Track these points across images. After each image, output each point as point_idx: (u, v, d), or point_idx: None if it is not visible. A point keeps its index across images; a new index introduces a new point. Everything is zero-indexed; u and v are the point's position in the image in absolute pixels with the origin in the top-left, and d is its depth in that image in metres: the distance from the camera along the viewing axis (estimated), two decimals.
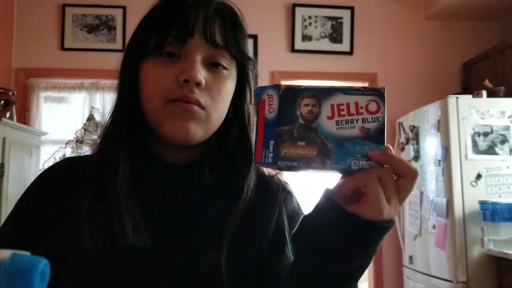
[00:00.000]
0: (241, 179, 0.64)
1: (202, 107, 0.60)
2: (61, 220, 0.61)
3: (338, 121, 0.50)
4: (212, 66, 0.62)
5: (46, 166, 3.15)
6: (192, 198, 0.63)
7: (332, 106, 0.50)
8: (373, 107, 0.50)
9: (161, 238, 0.60)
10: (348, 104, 0.50)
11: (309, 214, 0.56)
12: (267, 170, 0.70)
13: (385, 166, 0.50)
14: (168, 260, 0.59)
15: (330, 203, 0.53)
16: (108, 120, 0.66)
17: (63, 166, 0.68)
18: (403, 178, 0.50)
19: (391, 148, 0.50)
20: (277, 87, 0.52)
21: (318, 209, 0.55)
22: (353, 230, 0.51)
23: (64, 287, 0.57)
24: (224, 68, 0.62)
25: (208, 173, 0.64)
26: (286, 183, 0.72)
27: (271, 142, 0.51)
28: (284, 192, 0.70)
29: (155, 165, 0.64)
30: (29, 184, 0.67)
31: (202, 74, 0.59)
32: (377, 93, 0.51)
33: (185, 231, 0.61)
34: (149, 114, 0.62)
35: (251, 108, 0.68)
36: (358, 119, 0.50)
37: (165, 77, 0.60)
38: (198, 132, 0.61)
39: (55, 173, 0.67)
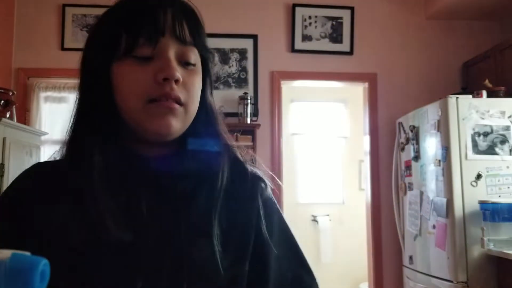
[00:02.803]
0: (215, 163, 0.67)
1: (181, 104, 0.63)
2: (44, 224, 0.60)
3: None
4: (182, 62, 0.64)
5: None
6: (175, 188, 0.64)
7: None
8: None
9: (149, 232, 0.60)
10: None
11: None
12: (238, 154, 0.72)
13: None
14: (160, 253, 0.59)
15: None
16: (73, 123, 0.65)
17: (34, 174, 0.66)
18: None
19: None
20: None
21: None
22: None
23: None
24: (193, 64, 0.65)
25: (187, 162, 0.65)
26: (257, 169, 0.73)
27: None
28: (258, 179, 0.72)
29: (135, 159, 0.65)
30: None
31: (178, 71, 0.62)
32: None
33: (172, 222, 0.62)
34: (127, 114, 0.63)
35: (212, 98, 0.72)
36: None
37: (142, 78, 0.61)
38: (178, 126, 0.63)
39: (28, 182, 0.65)
